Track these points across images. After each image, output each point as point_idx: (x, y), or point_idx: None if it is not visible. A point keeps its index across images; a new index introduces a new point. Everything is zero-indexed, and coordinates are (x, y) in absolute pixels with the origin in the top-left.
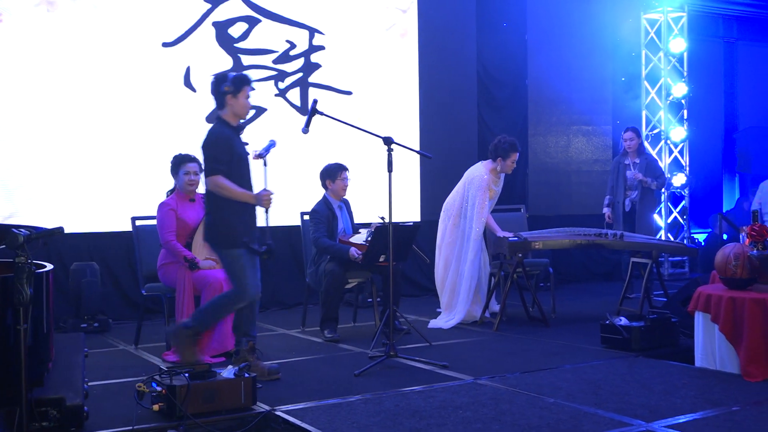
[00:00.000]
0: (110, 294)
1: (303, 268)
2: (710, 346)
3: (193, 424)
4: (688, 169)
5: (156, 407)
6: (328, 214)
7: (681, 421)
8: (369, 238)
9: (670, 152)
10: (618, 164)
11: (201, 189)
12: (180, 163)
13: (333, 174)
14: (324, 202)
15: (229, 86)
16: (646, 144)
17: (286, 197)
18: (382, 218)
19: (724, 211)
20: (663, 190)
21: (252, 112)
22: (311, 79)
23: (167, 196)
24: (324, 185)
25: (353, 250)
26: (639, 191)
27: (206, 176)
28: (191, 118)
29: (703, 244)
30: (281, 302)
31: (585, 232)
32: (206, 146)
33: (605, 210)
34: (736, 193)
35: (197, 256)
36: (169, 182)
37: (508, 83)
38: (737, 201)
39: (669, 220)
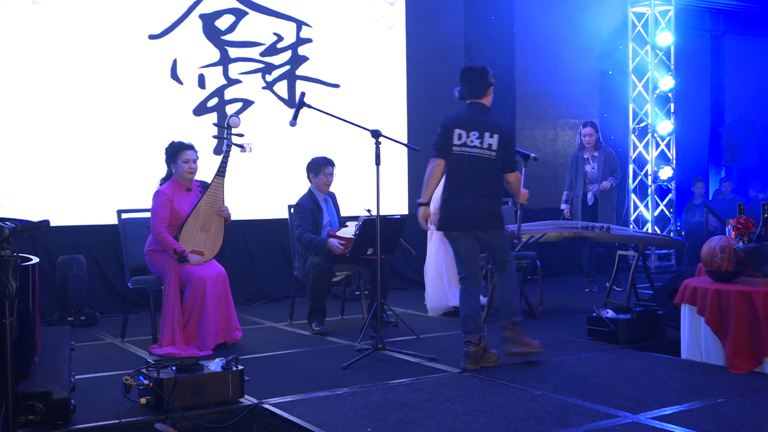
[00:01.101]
0: (97, 287)
1: (290, 261)
2: (696, 338)
3: (181, 418)
4: (674, 162)
5: (143, 400)
6: (313, 208)
7: (667, 412)
8: (357, 232)
9: (657, 145)
10: (576, 158)
11: (198, 176)
12: (179, 150)
13: (316, 168)
14: (309, 196)
15: (493, 78)
16: (633, 139)
17: (273, 190)
18: (369, 210)
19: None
20: (650, 183)
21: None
22: (299, 71)
23: (160, 183)
24: (308, 178)
25: (333, 242)
26: (599, 185)
27: (509, 171)
28: (178, 111)
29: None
30: (269, 295)
31: (572, 224)
32: (511, 141)
33: (563, 206)
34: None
35: (185, 246)
36: (156, 174)
37: (495, 76)
38: (714, 192)
39: (656, 213)
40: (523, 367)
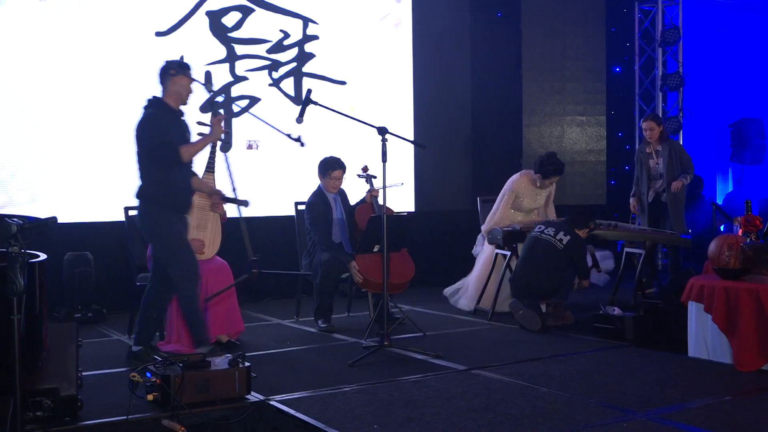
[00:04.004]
0: (104, 284)
1: (297, 258)
2: (703, 335)
3: (188, 414)
4: None
5: (150, 397)
6: (324, 207)
7: (674, 410)
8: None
9: None
10: (640, 153)
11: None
12: None
13: (324, 170)
14: (319, 193)
15: (592, 225)
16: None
17: (280, 187)
18: (365, 168)
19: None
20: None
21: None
22: (305, 68)
23: None
24: (318, 176)
25: (353, 267)
26: (665, 181)
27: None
28: (184, 108)
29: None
30: (275, 292)
31: None
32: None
33: (632, 200)
34: (730, 183)
35: None
36: None
37: (502, 73)
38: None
39: None
40: (529, 365)
